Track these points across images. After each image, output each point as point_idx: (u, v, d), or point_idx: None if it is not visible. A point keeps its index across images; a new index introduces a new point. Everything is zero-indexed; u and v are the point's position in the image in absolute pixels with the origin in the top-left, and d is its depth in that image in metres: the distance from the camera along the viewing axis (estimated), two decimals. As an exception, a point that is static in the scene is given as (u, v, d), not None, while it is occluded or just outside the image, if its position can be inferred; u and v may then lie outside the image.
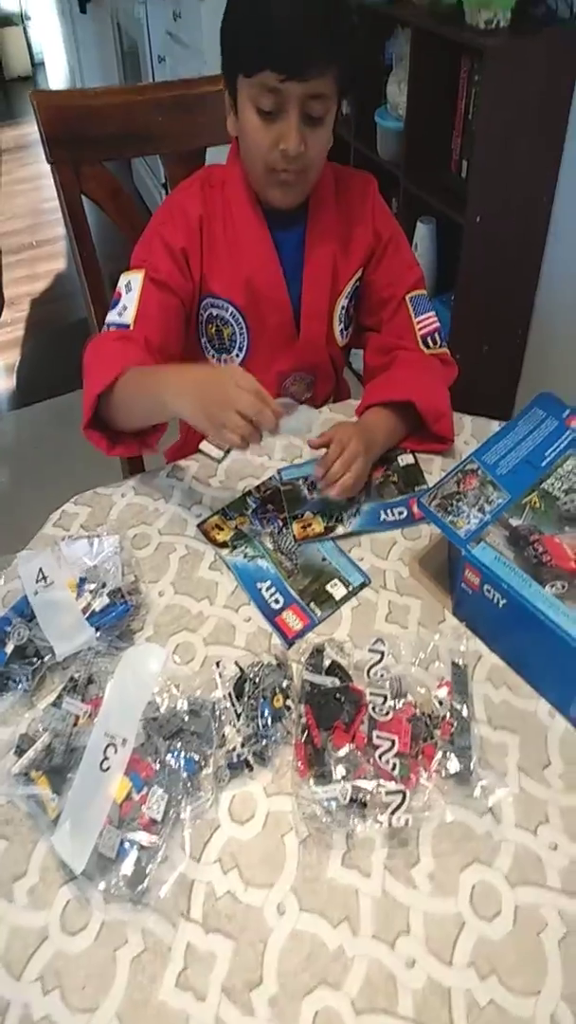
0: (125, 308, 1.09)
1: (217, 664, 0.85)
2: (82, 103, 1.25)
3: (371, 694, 0.77)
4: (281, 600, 0.93)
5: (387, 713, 0.75)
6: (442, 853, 0.69)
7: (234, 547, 1.00)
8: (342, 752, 0.74)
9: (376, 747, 0.73)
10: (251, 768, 0.77)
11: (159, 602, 0.95)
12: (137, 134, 1.29)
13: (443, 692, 0.78)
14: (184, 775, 0.75)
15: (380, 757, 0.72)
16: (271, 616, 0.91)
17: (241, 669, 0.83)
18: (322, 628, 0.90)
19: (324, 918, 0.66)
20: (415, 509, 1.01)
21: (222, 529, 1.02)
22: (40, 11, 6.27)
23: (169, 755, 0.76)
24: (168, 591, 0.96)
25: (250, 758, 0.77)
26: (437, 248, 2.21)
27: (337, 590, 0.93)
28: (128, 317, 1.08)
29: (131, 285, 1.10)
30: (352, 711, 0.76)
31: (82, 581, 0.95)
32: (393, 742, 0.73)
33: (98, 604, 0.92)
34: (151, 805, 0.73)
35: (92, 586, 0.94)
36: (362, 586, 0.93)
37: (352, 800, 0.71)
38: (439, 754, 0.73)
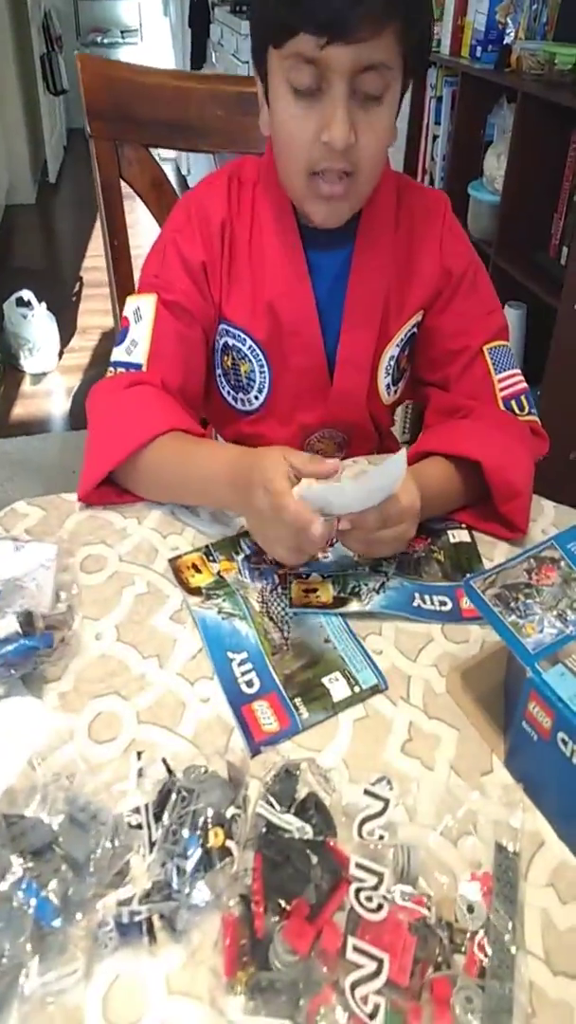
0: (135, 344, 0.88)
1: (139, 755, 0.57)
2: (131, 78, 1.10)
3: (358, 867, 0.48)
4: (256, 683, 0.65)
5: (379, 907, 0.46)
6: None
7: (209, 596, 0.73)
8: (295, 957, 0.44)
9: (352, 966, 0.44)
10: (152, 938, 0.49)
11: (92, 647, 0.69)
12: (190, 125, 1.13)
13: (475, 891, 0.48)
14: (32, 921, 0.46)
15: (354, 989, 0.43)
16: (237, 703, 0.63)
17: (169, 771, 0.54)
18: (306, 738, 0.61)
19: None
20: (464, 603, 0.74)
21: (199, 571, 0.76)
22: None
23: (19, 885, 0.47)
24: (108, 635, 0.71)
25: (155, 920, 0.49)
26: (525, 336, 2.00)
27: (337, 688, 0.65)
28: (139, 355, 0.88)
29: (141, 312, 0.89)
30: (325, 887, 0.47)
31: (-6, 595, 0.69)
32: (381, 964, 0.44)
33: (1, 630, 0.65)
34: (-31, 966, 0.44)
35: (4, 604, 0.68)
36: (374, 691, 0.65)
37: (296, 1054, 0.41)
38: (457, 999, 0.44)
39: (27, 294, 3.04)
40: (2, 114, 4.44)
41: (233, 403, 0.99)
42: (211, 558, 0.77)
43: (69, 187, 5.34)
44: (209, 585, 0.74)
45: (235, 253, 0.89)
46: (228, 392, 0.98)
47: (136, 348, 0.88)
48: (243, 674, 0.65)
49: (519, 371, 0.93)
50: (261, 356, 0.92)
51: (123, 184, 1.14)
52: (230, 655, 0.67)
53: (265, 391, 0.95)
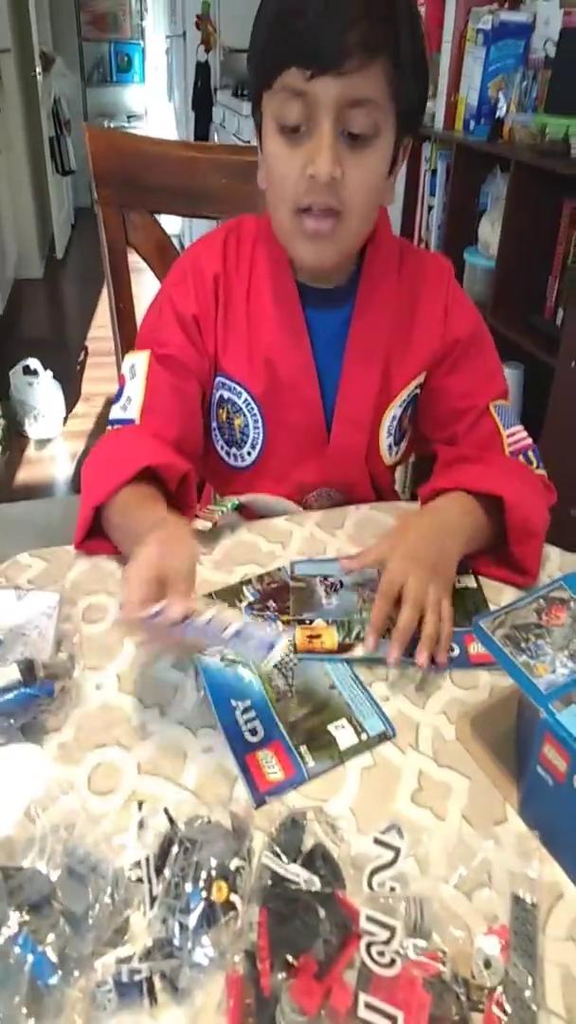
0: (129, 400, 0.88)
1: (140, 806, 0.55)
2: (137, 147, 1.15)
3: (369, 920, 0.46)
4: (260, 732, 0.63)
5: (391, 963, 0.44)
6: None
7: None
8: (304, 1017, 0.42)
9: None
10: (153, 999, 0.46)
11: (93, 697, 0.68)
12: (194, 192, 1.17)
13: (493, 945, 0.46)
14: (27, 978, 0.44)
15: (369, 1049, 0.40)
16: (241, 752, 0.61)
17: (171, 821, 0.52)
18: (312, 788, 0.59)
19: None
20: (471, 648, 0.72)
21: None
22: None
23: (15, 940, 0.45)
24: (109, 685, 0.69)
25: (155, 980, 0.46)
26: (523, 396, 2.03)
27: (343, 735, 0.63)
28: (133, 411, 0.87)
29: (135, 369, 0.89)
30: (335, 942, 0.45)
31: (-6, 644, 0.68)
32: (395, 1022, 0.41)
33: (2, 678, 0.64)
34: (-37, 1027, 0.42)
35: (5, 652, 0.67)
36: (382, 738, 0.63)
37: None
38: (475, 1065, 0.41)
39: (33, 362, 3.11)
40: (12, 193, 4.60)
41: (226, 458, 0.98)
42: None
43: (76, 262, 5.51)
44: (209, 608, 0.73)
45: (231, 306, 0.90)
46: (222, 447, 0.98)
47: (131, 404, 0.88)
48: (247, 722, 0.64)
49: (523, 428, 0.94)
50: (256, 410, 0.92)
51: (130, 254, 1.17)
52: (233, 703, 0.66)
53: (258, 447, 0.94)
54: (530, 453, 0.92)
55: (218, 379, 0.93)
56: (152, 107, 6.81)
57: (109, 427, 0.90)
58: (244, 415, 0.93)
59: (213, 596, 0.78)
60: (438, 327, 0.91)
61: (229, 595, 0.78)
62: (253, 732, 0.63)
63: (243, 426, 0.94)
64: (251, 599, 0.77)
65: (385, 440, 0.96)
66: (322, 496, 0.99)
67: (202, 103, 4.71)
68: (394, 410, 0.94)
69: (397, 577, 0.71)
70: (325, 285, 0.89)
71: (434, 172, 2.53)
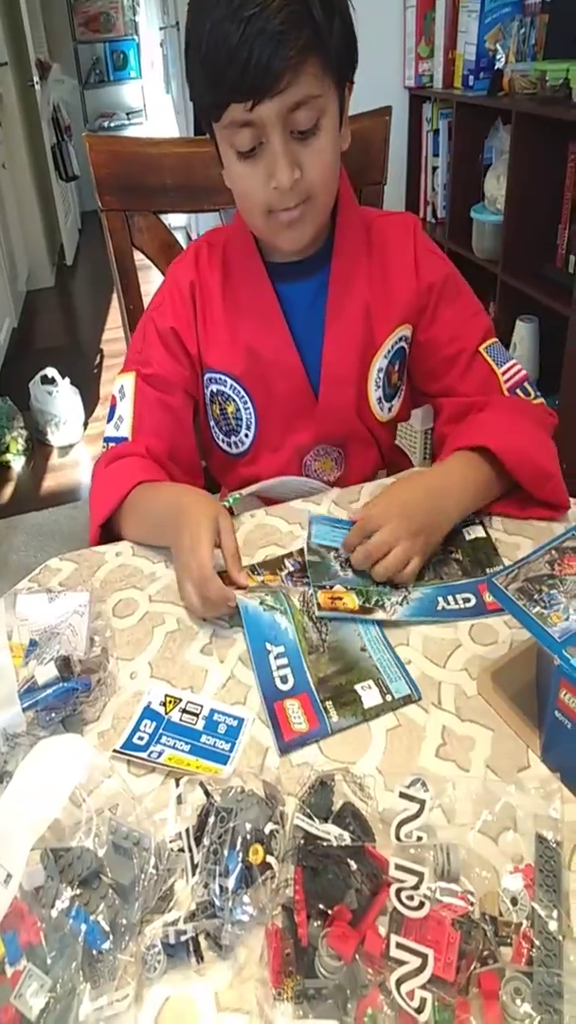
0: (121, 419, 0.96)
1: (178, 782, 0.58)
2: (137, 150, 1.16)
3: (398, 868, 0.48)
4: (290, 681, 0.67)
5: (421, 906, 0.46)
6: None
7: (253, 591, 0.76)
8: (340, 962, 0.44)
9: (397, 963, 0.44)
10: (199, 957, 0.49)
11: (128, 687, 0.71)
12: (195, 187, 1.18)
13: (518, 883, 0.48)
14: (81, 947, 0.48)
15: (400, 985, 0.43)
16: (271, 698, 0.65)
17: (206, 792, 0.55)
18: (339, 750, 0.62)
19: None
20: (487, 597, 0.74)
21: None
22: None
23: (68, 913, 0.48)
24: (142, 673, 0.72)
25: (201, 939, 0.49)
26: (538, 350, 2.02)
27: (369, 695, 0.66)
28: (125, 429, 0.95)
29: (124, 390, 0.96)
30: (367, 892, 0.48)
31: (32, 644, 0.73)
32: (425, 959, 0.44)
33: (42, 676, 0.67)
34: (23, 993, 0.46)
35: (43, 652, 0.71)
36: (407, 701, 0.65)
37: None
38: (506, 991, 0.43)
39: (51, 371, 3.13)
40: (19, 207, 4.65)
41: (228, 449, 1.02)
42: (256, 572, 0.80)
43: (85, 267, 5.55)
44: (253, 588, 0.76)
45: (208, 306, 0.94)
46: (222, 440, 1.02)
47: (122, 423, 0.94)
48: (279, 668, 0.68)
49: (516, 362, 0.98)
50: (243, 392, 0.96)
51: (137, 254, 1.19)
52: (268, 647, 0.69)
53: (253, 427, 0.98)
54: (527, 385, 0.97)
55: (207, 376, 0.97)
56: (151, 101, 6.80)
57: (104, 444, 0.95)
58: (234, 400, 0.97)
59: (257, 567, 0.81)
60: (411, 279, 0.94)
61: (271, 564, 0.82)
62: (284, 680, 0.67)
63: (235, 411, 0.98)
64: (291, 569, 0.81)
65: (374, 393, 0.98)
66: (320, 455, 1.01)
67: (198, 91, 4.68)
68: (379, 362, 0.97)
69: (372, 524, 0.77)
70: (296, 258, 0.92)
71: (436, 132, 2.50)
